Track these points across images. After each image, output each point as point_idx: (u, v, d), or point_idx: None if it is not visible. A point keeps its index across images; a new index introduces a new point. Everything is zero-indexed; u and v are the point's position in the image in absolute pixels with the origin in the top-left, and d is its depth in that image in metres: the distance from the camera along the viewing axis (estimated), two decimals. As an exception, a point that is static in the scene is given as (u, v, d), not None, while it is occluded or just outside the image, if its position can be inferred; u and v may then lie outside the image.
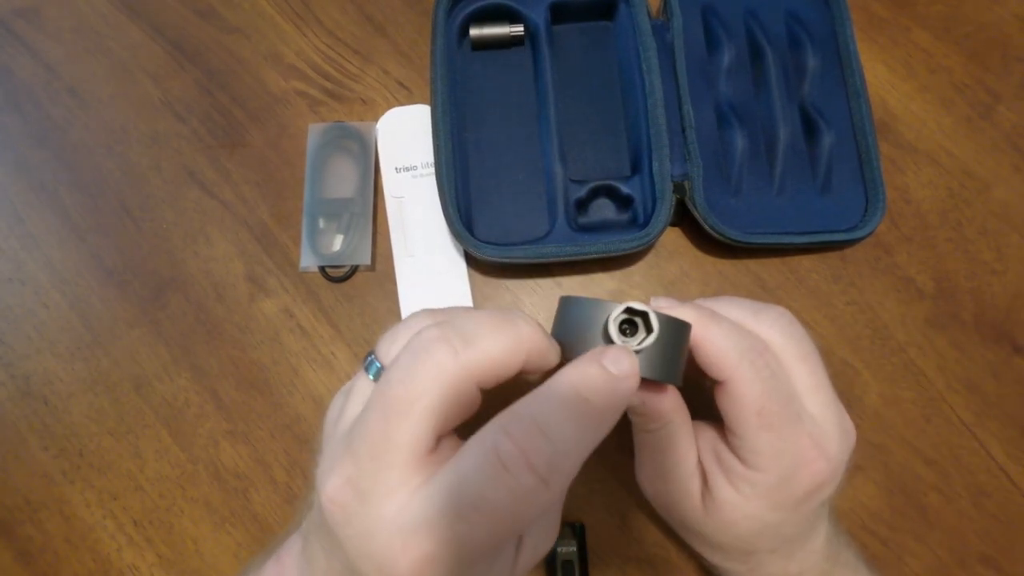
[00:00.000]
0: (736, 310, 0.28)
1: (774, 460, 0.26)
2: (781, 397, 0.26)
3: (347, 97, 0.45)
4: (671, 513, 0.31)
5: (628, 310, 0.23)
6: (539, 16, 0.42)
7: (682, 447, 0.29)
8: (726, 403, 0.27)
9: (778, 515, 0.27)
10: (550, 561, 0.36)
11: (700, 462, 0.29)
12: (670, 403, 0.27)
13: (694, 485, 0.29)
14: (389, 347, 0.24)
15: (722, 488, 0.28)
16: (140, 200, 0.43)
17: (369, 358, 0.25)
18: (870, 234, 0.39)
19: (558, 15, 0.43)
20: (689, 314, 0.26)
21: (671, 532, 0.38)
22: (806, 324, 0.40)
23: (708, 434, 0.30)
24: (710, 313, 0.27)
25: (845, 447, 0.27)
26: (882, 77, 0.44)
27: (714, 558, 0.31)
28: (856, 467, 0.38)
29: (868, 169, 0.40)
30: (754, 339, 0.26)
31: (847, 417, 0.28)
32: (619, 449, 0.39)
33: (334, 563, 0.23)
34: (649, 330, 0.23)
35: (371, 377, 0.24)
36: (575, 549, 0.36)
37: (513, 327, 0.22)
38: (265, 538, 0.38)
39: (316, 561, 0.24)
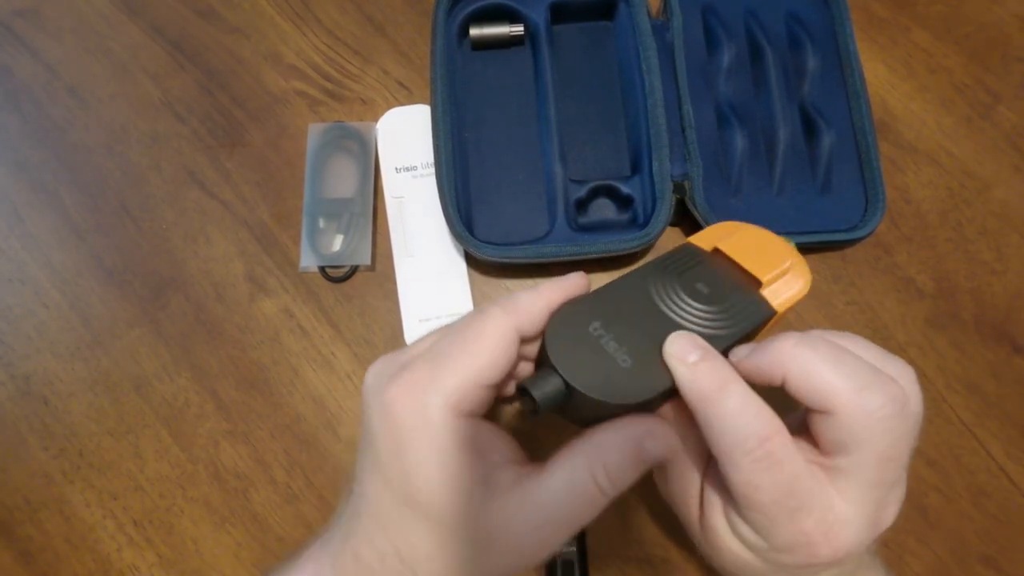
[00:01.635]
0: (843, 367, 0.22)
1: (764, 533, 0.23)
2: (783, 490, 0.22)
3: (347, 97, 0.45)
4: (674, 510, 0.30)
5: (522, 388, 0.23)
6: (539, 16, 0.42)
7: (692, 466, 0.26)
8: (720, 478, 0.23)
9: (767, 567, 0.24)
10: (550, 561, 0.36)
11: (705, 482, 0.27)
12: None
13: (695, 500, 0.27)
14: None
15: (717, 518, 0.25)
16: (140, 200, 0.43)
17: None
18: (870, 234, 0.39)
19: (558, 15, 0.43)
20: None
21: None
22: (806, 324, 0.40)
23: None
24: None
25: (867, 537, 0.23)
26: (882, 77, 0.44)
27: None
28: (856, 467, 0.38)
29: (868, 169, 0.40)
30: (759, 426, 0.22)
31: (890, 508, 0.24)
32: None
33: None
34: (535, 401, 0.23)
35: None
36: (575, 549, 0.36)
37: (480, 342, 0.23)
38: (265, 538, 0.38)
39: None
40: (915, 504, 0.38)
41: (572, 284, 0.25)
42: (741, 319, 0.26)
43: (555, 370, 0.23)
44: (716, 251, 0.29)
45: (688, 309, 0.26)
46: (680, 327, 0.25)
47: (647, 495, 0.38)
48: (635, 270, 0.27)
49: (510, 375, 0.24)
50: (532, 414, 0.23)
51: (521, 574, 0.24)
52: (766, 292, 0.28)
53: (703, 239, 0.30)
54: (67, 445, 0.40)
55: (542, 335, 0.24)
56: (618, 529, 0.38)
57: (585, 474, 0.22)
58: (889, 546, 0.38)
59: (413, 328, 0.40)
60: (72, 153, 0.44)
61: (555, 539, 0.22)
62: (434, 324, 0.40)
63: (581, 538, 0.37)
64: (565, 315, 0.25)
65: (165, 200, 0.43)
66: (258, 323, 0.41)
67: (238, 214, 0.43)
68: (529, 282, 0.42)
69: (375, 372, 0.25)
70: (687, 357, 0.23)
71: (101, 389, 0.40)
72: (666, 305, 0.26)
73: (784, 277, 0.28)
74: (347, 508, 0.25)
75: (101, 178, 0.43)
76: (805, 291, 0.28)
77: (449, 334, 0.24)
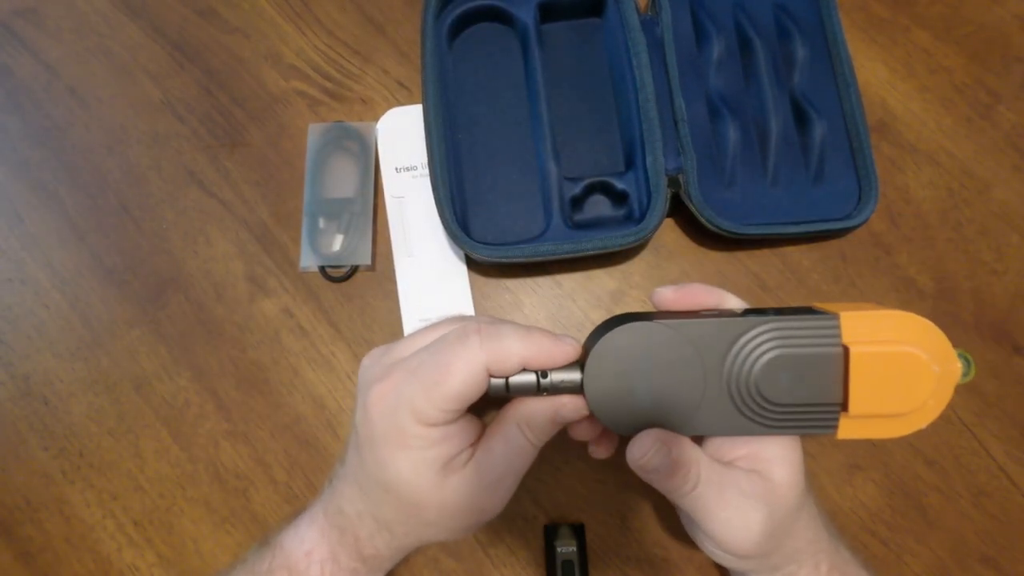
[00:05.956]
0: None
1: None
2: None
3: (347, 97, 0.45)
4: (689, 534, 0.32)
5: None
6: (528, 16, 0.42)
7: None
8: None
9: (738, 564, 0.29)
10: (550, 561, 0.36)
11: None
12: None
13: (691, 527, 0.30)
14: None
15: (699, 538, 0.30)
16: (140, 200, 0.43)
17: None
18: (864, 222, 0.39)
19: (547, 14, 0.43)
20: None
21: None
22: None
23: None
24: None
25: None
26: (882, 77, 0.44)
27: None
28: (856, 467, 0.38)
29: (860, 157, 0.40)
30: None
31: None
32: (618, 450, 0.39)
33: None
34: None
35: None
36: (575, 549, 0.36)
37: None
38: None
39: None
40: (915, 504, 0.38)
41: (560, 352, 0.26)
42: (788, 427, 0.25)
43: (582, 378, 0.26)
44: (845, 349, 0.24)
45: (746, 389, 0.25)
46: (717, 400, 0.25)
47: (647, 495, 0.38)
48: (750, 317, 0.24)
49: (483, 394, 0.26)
50: (539, 388, 0.26)
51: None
52: (844, 420, 0.24)
53: (856, 327, 0.24)
54: (67, 445, 0.40)
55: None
56: (618, 529, 0.38)
57: (518, 434, 0.27)
58: (889, 546, 0.38)
59: (413, 328, 0.40)
60: (72, 153, 0.44)
61: (504, 490, 0.27)
62: (434, 324, 0.40)
63: (581, 538, 0.37)
64: (623, 346, 0.25)
65: (165, 200, 0.43)
66: (258, 323, 0.41)
67: (238, 214, 0.43)
68: (530, 281, 0.42)
69: (367, 365, 0.28)
70: (641, 461, 0.26)
71: (101, 389, 0.40)
72: (733, 373, 0.24)
73: (883, 418, 0.24)
74: (339, 467, 0.30)
75: (101, 178, 0.44)
76: (893, 436, 0.24)
77: (432, 347, 0.26)
